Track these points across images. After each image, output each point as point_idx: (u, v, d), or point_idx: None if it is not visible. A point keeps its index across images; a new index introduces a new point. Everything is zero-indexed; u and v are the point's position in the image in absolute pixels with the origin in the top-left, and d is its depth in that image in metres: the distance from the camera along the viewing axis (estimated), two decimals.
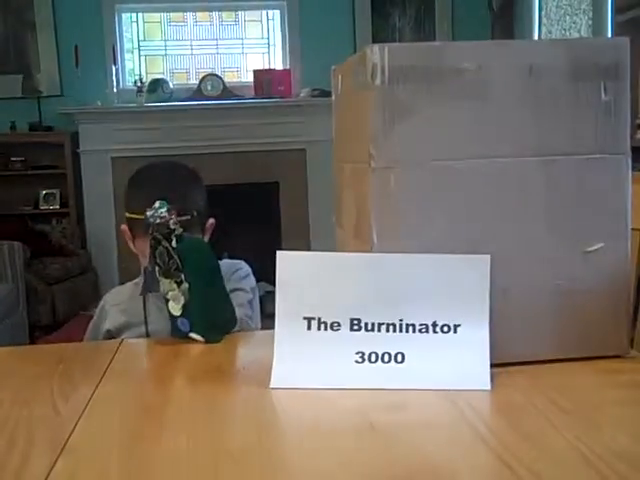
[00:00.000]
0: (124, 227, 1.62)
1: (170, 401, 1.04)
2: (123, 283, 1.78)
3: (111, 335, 1.56)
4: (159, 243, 1.27)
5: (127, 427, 0.96)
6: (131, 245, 1.62)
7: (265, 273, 5.67)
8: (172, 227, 1.27)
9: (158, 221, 1.27)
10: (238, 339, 1.36)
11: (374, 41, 5.50)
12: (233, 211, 5.49)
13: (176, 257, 1.27)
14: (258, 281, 5.36)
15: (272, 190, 5.48)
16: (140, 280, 1.60)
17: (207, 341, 1.29)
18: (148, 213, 1.28)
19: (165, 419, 0.97)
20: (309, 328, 1.07)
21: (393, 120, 1.06)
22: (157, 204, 1.29)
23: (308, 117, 5.33)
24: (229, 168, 5.34)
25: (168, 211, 1.28)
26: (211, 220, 1.64)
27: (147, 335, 1.46)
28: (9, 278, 4.25)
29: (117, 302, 1.64)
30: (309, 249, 5.39)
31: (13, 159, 5.30)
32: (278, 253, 1.10)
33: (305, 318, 1.08)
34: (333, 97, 1.34)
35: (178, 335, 1.30)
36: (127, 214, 1.59)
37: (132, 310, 1.54)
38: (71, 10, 5.36)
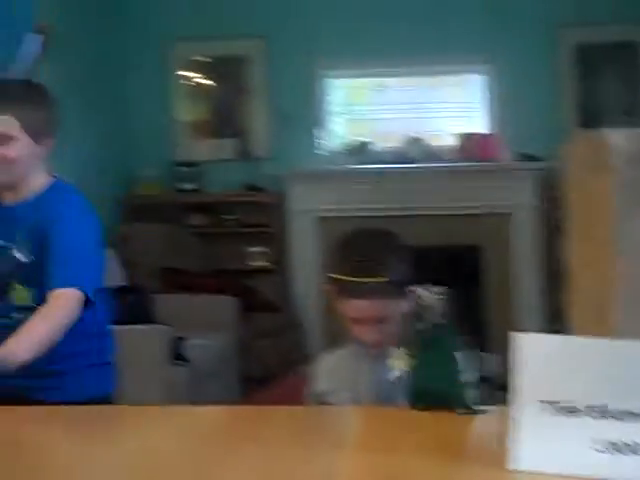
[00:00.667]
0: (327, 287, 1.69)
1: (406, 474, 1.07)
2: (329, 341, 1.85)
3: (321, 399, 1.62)
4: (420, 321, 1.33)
5: None
6: (335, 304, 1.69)
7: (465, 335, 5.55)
8: (437, 313, 1.33)
9: (429, 304, 1.33)
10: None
11: (581, 105, 5.40)
12: (434, 274, 5.49)
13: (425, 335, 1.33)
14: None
15: (474, 255, 5.44)
16: (351, 348, 1.66)
17: (412, 406, 1.32)
18: (423, 293, 1.34)
19: None
20: (546, 411, 1.08)
21: (637, 203, 1.06)
22: (435, 288, 1.36)
23: (513, 181, 5.27)
24: (432, 231, 5.36)
25: (439, 298, 1.34)
26: (412, 287, 1.66)
27: (355, 401, 1.51)
28: (224, 331, 4.49)
29: (327, 367, 1.70)
30: (511, 316, 5.29)
31: (227, 217, 5.63)
32: (515, 334, 1.11)
33: (542, 401, 1.08)
34: (566, 176, 1.34)
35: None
36: (332, 275, 1.67)
37: (341, 375, 1.60)
38: (283, 76, 5.66)
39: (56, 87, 4.67)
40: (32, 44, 4.47)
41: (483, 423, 1.34)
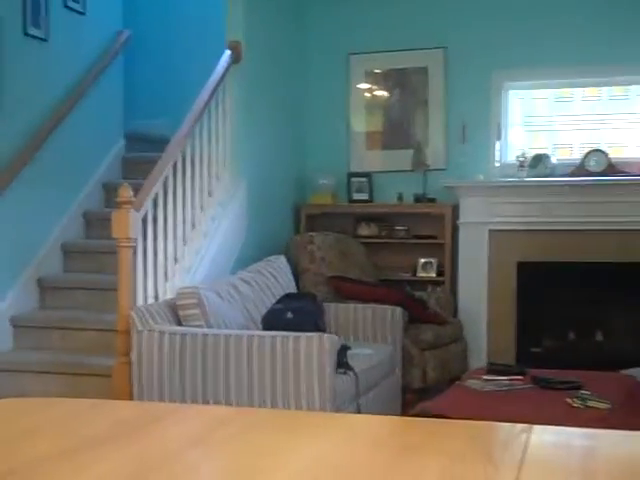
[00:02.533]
0: None
1: None
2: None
3: None
4: None
5: None
6: None
7: None
8: None
9: None
10: None
11: None
12: (608, 290, 5.26)
13: None
14: (632, 366, 5.02)
15: None
16: None
17: None
18: None
19: None
20: None
21: None
22: None
23: None
24: (610, 246, 5.14)
25: None
26: None
27: None
28: (389, 340, 4.49)
29: None
30: None
31: (397, 228, 5.63)
32: None
33: None
34: None
35: None
36: None
37: None
38: (461, 89, 5.61)
39: (242, 98, 4.93)
40: (224, 59, 4.70)
41: None
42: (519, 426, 1.41)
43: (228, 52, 4.80)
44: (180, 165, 4.29)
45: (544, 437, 1.28)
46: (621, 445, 1.28)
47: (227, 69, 4.73)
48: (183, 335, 3.51)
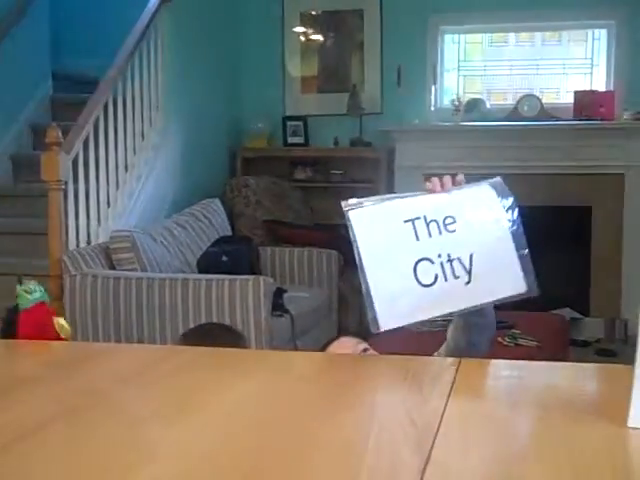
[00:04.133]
0: None
1: (523, 427, 1.04)
2: None
3: None
4: None
5: (485, 448, 0.97)
6: None
7: (571, 298, 5.47)
8: None
9: None
10: (581, 370, 1.34)
11: None
12: (541, 234, 5.37)
13: None
14: (564, 306, 5.15)
15: (584, 215, 5.27)
16: None
17: None
18: None
19: (521, 446, 0.97)
20: None
21: None
22: None
23: (630, 141, 5.07)
24: (541, 190, 5.22)
25: None
26: None
27: None
28: (325, 284, 4.52)
29: None
30: (619, 279, 5.12)
31: (333, 172, 5.62)
32: None
33: None
34: None
35: None
36: None
37: None
38: (397, 31, 5.57)
39: (176, 45, 4.81)
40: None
41: (606, 381, 1.29)
42: (449, 360, 1.44)
43: None
44: (111, 107, 4.18)
45: (472, 369, 1.31)
46: (545, 375, 1.32)
47: (158, 7, 4.60)
48: (117, 279, 3.47)
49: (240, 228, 4.99)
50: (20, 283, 1.52)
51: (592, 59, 5.48)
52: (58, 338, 1.52)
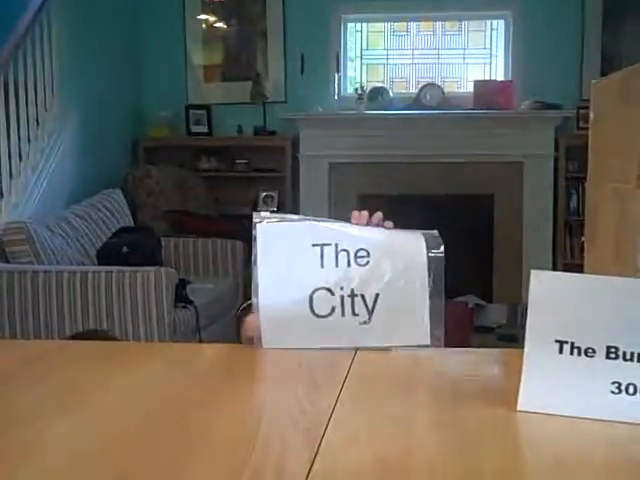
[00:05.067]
0: None
1: (414, 413, 1.03)
2: None
3: None
4: None
5: (376, 435, 0.96)
6: None
7: (474, 285, 5.58)
8: None
9: None
10: (478, 355, 1.34)
11: (603, 55, 5.27)
12: (445, 222, 5.45)
13: None
14: (467, 294, 5.26)
15: (486, 203, 5.38)
16: None
17: None
18: None
19: (411, 431, 0.97)
20: (561, 352, 1.03)
21: None
22: None
23: (528, 130, 5.19)
24: (444, 178, 5.31)
25: None
26: None
27: None
28: (230, 274, 4.47)
29: None
30: (520, 265, 5.25)
31: (237, 161, 5.56)
32: (532, 272, 1.06)
33: (557, 341, 1.03)
34: (591, 114, 1.27)
35: None
36: None
37: None
38: (299, 19, 5.55)
39: (72, 29, 4.65)
40: None
41: (502, 365, 1.30)
42: (344, 351, 1.43)
43: None
44: (2, 92, 4.01)
45: (367, 359, 1.29)
46: (439, 361, 1.33)
47: None
48: (10, 272, 3.34)
49: (142, 219, 4.88)
50: None
51: (491, 49, 5.58)
52: None
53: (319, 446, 0.89)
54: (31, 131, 4.27)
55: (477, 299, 5.09)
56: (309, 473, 0.82)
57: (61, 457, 0.90)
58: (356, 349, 1.32)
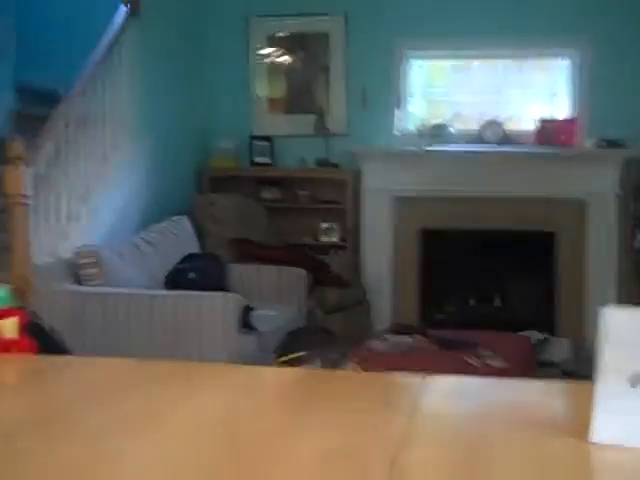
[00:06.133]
0: None
1: (489, 442, 1.06)
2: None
3: None
4: None
5: (451, 464, 0.99)
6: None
7: (536, 322, 5.53)
8: None
9: None
10: (545, 387, 1.37)
11: None
12: (506, 258, 5.45)
13: None
14: (528, 328, 5.19)
15: (548, 240, 5.36)
16: None
17: None
18: None
19: (487, 459, 1.00)
20: (633, 386, 1.05)
21: None
22: None
23: (591, 169, 5.17)
24: (505, 215, 5.31)
25: None
26: None
27: None
28: (293, 302, 4.53)
29: None
30: (582, 300, 5.20)
31: (300, 192, 5.65)
32: (604, 309, 1.08)
33: (630, 375, 1.06)
34: None
35: None
36: None
37: None
38: (362, 55, 5.64)
39: (141, 60, 4.81)
40: (121, 13, 4.56)
41: (570, 397, 1.32)
42: (415, 376, 1.47)
43: (125, 6, 4.66)
44: (76, 122, 4.17)
45: (439, 386, 1.33)
46: (510, 392, 1.35)
47: (125, 23, 4.60)
48: (82, 294, 3.46)
49: (207, 246, 4.99)
50: None
51: (555, 87, 5.59)
52: (6, 343, 1.52)
53: (395, 467, 0.93)
54: (103, 159, 4.42)
55: (539, 334, 5.06)
56: None
57: (138, 474, 0.93)
58: (426, 375, 1.36)
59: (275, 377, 1.48)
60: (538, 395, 1.33)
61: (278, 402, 1.25)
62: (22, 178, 3.59)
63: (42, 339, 1.66)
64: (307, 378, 1.43)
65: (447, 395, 1.31)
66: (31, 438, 1.03)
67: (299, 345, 1.92)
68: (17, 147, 3.61)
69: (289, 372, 1.51)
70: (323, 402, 1.25)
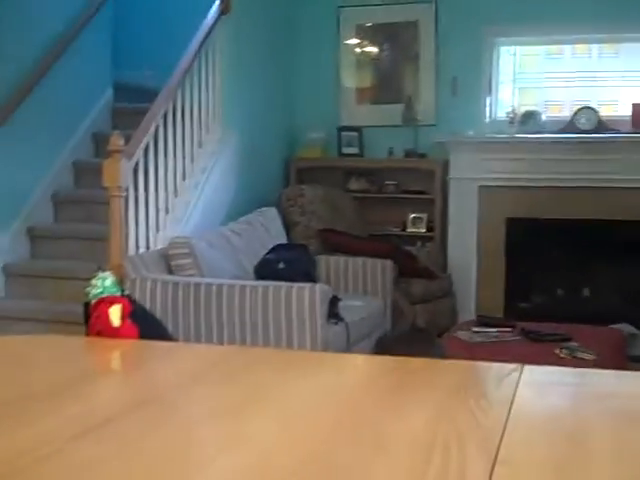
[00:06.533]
0: None
1: (588, 428, 1.05)
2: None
3: None
4: None
5: (554, 450, 0.98)
6: None
7: (628, 313, 5.39)
8: None
9: None
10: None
11: None
12: (596, 248, 5.32)
13: None
14: (621, 321, 5.08)
15: None
16: None
17: None
18: None
19: (588, 448, 0.98)
20: None
21: None
22: None
23: None
24: (596, 203, 5.18)
25: None
26: None
27: None
28: (379, 293, 4.54)
29: None
30: None
31: (387, 183, 5.64)
32: None
33: None
34: None
35: None
36: None
37: None
38: (452, 44, 5.58)
39: (233, 56, 4.89)
40: (213, 9, 4.66)
41: None
42: (510, 366, 1.45)
43: (217, 2, 4.75)
44: (170, 116, 4.27)
45: (535, 375, 1.32)
46: (610, 384, 1.33)
47: (216, 20, 4.69)
48: (175, 284, 3.54)
49: (295, 237, 5.04)
50: (97, 272, 1.59)
51: None
52: (113, 330, 1.57)
53: (496, 457, 0.93)
54: (194, 152, 4.51)
55: (632, 327, 4.92)
56: (490, 477, 0.86)
57: (252, 453, 0.94)
58: (523, 363, 1.35)
59: (373, 364, 1.49)
60: (635, 386, 1.30)
61: (377, 388, 1.26)
62: (121, 171, 3.70)
63: (146, 325, 1.71)
64: (404, 365, 1.43)
65: (544, 384, 1.30)
66: (133, 420, 1.07)
67: (401, 347, 1.92)
68: (117, 141, 3.73)
69: (387, 360, 1.51)
70: (420, 390, 1.25)
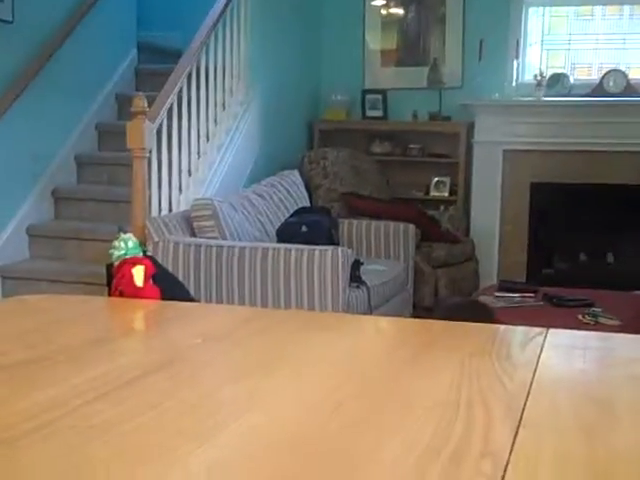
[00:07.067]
0: None
1: (614, 393, 1.04)
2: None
3: None
4: None
5: (579, 414, 0.97)
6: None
7: None
8: None
9: None
10: None
11: None
12: (620, 213, 5.26)
13: None
14: None
15: None
16: None
17: None
18: None
19: (614, 411, 0.97)
20: None
21: None
22: None
23: None
24: (625, 168, 5.11)
25: None
26: None
27: None
28: (401, 257, 4.52)
29: None
30: None
31: (411, 146, 5.60)
32: None
33: None
34: None
35: None
36: None
37: None
38: (480, 5, 5.49)
39: (258, 17, 4.84)
40: None
41: None
42: (535, 329, 1.44)
43: None
44: (194, 77, 4.25)
45: (560, 339, 1.30)
46: (635, 349, 1.31)
47: None
48: (198, 246, 3.54)
49: (317, 200, 5.02)
50: (119, 234, 1.60)
51: None
52: (136, 290, 1.57)
53: (521, 419, 0.92)
54: (218, 113, 4.49)
55: None
56: (515, 439, 0.86)
57: (276, 412, 0.94)
58: (548, 327, 1.33)
59: (397, 325, 1.49)
60: None
61: (402, 349, 1.26)
62: (144, 132, 3.70)
63: (168, 287, 1.71)
64: (428, 327, 1.43)
65: (569, 348, 1.29)
66: (161, 379, 1.07)
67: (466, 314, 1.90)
68: (140, 103, 3.72)
69: (409, 322, 1.51)
70: (445, 352, 1.25)
